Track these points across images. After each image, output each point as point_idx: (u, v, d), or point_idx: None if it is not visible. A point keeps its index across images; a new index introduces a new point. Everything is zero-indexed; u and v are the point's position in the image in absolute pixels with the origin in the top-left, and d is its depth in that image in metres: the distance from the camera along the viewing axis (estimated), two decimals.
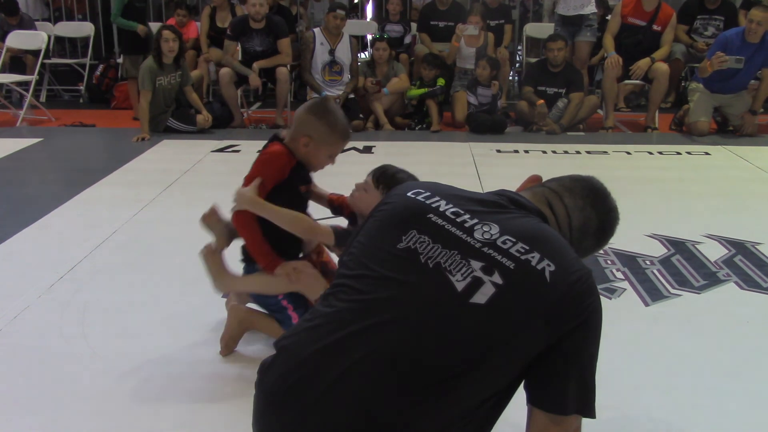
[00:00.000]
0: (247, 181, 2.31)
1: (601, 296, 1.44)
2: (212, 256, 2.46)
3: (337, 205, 2.55)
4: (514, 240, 1.41)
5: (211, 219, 2.49)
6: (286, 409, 1.36)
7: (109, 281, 3.05)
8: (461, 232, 1.43)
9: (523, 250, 1.39)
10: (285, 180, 2.32)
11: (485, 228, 1.44)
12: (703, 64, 6.01)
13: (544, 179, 1.68)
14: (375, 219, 1.55)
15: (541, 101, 6.17)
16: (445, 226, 1.45)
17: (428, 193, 1.54)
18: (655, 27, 6.28)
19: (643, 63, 6.22)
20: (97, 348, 2.49)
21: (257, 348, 2.49)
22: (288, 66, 6.68)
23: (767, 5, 5.88)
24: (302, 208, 2.41)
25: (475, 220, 1.46)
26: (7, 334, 2.59)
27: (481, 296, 1.35)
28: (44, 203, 4.10)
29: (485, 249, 1.40)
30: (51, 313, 2.75)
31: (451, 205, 1.49)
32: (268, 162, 2.32)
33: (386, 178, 2.28)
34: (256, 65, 6.32)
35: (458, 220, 1.46)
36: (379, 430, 1.31)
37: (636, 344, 2.51)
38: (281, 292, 2.40)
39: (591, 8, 6.69)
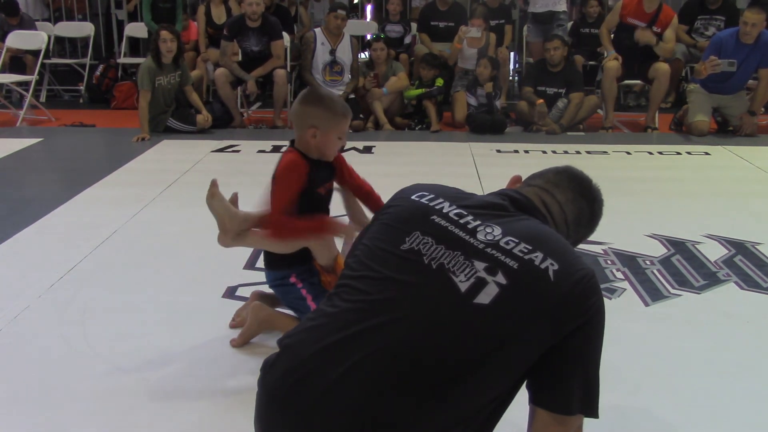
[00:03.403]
0: (273, 204, 2.30)
1: None
2: (218, 199, 2.34)
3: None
4: (516, 240, 1.41)
5: (213, 200, 2.37)
6: (288, 407, 1.36)
7: (109, 281, 3.05)
8: (464, 234, 1.44)
9: (526, 250, 1.39)
10: (304, 185, 2.32)
11: (488, 229, 1.44)
12: (698, 66, 6.01)
13: None
14: (379, 222, 1.56)
15: (541, 101, 6.17)
16: (449, 228, 1.45)
17: (432, 196, 1.54)
18: (654, 29, 6.27)
19: (648, 35, 6.13)
20: (97, 348, 2.49)
21: (258, 346, 2.48)
22: (288, 67, 6.68)
23: (761, 6, 5.86)
24: (323, 211, 2.42)
25: (478, 222, 1.46)
26: (7, 334, 2.59)
27: (485, 296, 1.35)
28: (44, 203, 4.10)
29: (488, 250, 1.40)
30: (51, 313, 2.75)
31: (454, 207, 1.50)
32: (283, 178, 2.31)
33: None
34: (253, 74, 6.33)
35: (461, 221, 1.46)
36: (380, 430, 1.31)
37: (636, 344, 2.51)
38: (289, 251, 2.37)
39: (562, 5, 6.72)
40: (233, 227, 2.37)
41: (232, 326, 2.62)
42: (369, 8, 9.38)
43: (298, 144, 2.35)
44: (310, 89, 2.49)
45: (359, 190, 2.52)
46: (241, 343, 2.49)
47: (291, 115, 2.38)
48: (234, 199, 2.39)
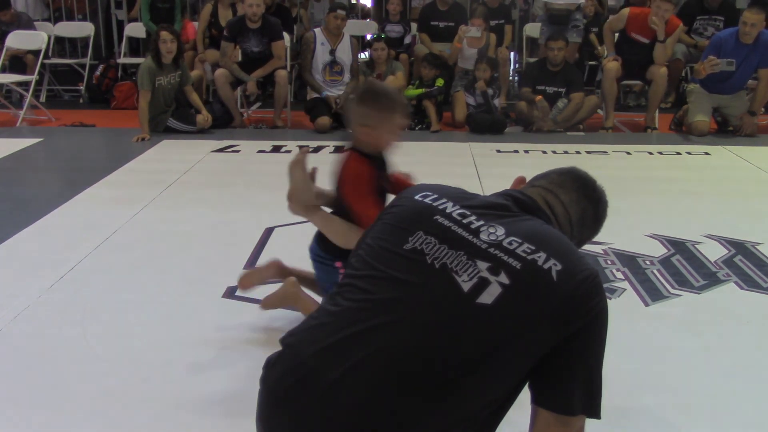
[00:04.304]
0: (360, 212, 2.29)
1: None
2: (300, 168, 2.35)
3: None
4: (520, 241, 1.41)
5: (296, 167, 2.38)
6: (289, 406, 1.36)
7: (109, 281, 3.05)
8: (467, 234, 1.44)
9: (529, 251, 1.39)
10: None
11: (491, 230, 1.44)
12: (697, 66, 6.01)
13: None
14: (383, 221, 1.56)
15: (540, 96, 6.18)
16: (452, 228, 1.45)
17: (435, 195, 1.54)
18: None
19: (661, 26, 6.05)
20: (97, 348, 2.49)
21: (259, 346, 2.48)
22: (288, 67, 6.67)
23: (760, 6, 5.86)
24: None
25: (481, 222, 1.46)
26: (7, 334, 2.58)
27: (488, 296, 1.35)
28: (44, 203, 4.10)
29: (491, 250, 1.40)
30: (51, 313, 2.75)
31: (457, 207, 1.50)
32: (355, 183, 2.32)
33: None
34: (254, 75, 6.33)
35: (464, 221, 1.46)
36: (380, 430, 1.31)
37: (636, 344, 2.51)
38: (348, 246, 2.28)
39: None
40: (301, 199, 2.37)
41: (240, 285, 2.65)
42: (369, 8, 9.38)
43: (355, 143, 2.37)
44: (367, 85, 2.50)
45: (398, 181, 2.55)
46: (266, 308, 2.54)
47: (349, 112, 2.39)
48: (313, 173, 2.39)
